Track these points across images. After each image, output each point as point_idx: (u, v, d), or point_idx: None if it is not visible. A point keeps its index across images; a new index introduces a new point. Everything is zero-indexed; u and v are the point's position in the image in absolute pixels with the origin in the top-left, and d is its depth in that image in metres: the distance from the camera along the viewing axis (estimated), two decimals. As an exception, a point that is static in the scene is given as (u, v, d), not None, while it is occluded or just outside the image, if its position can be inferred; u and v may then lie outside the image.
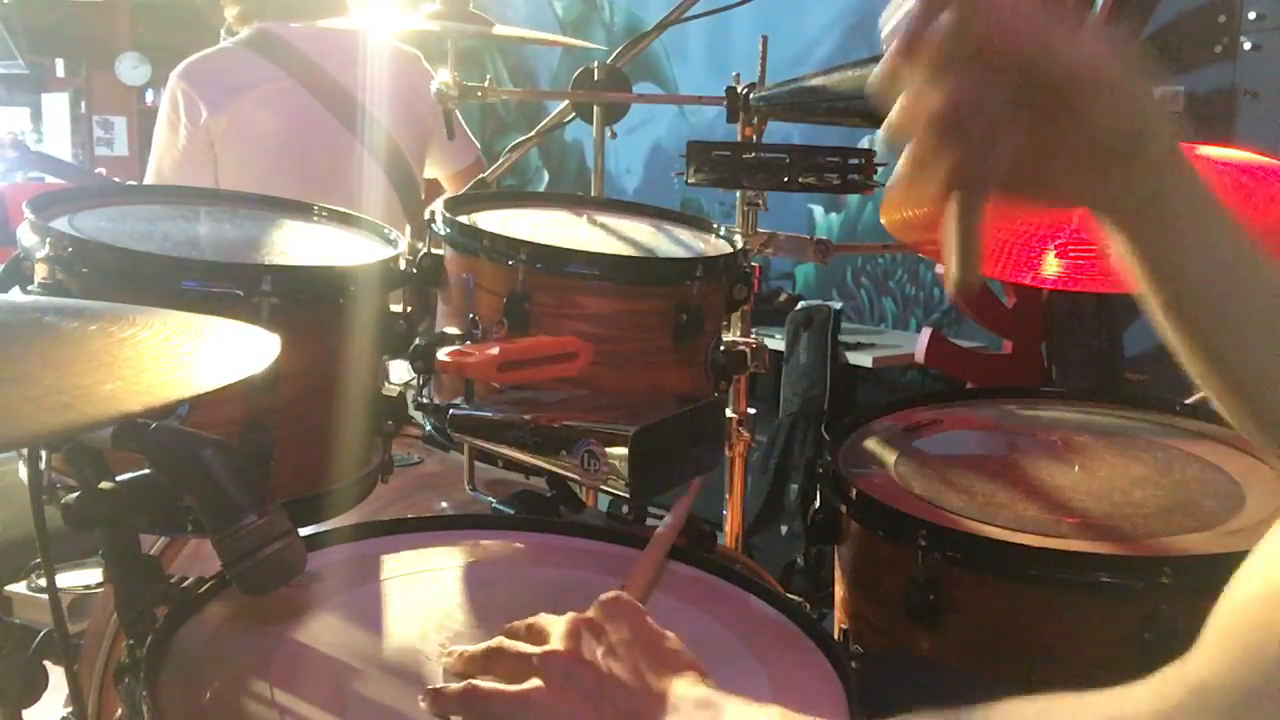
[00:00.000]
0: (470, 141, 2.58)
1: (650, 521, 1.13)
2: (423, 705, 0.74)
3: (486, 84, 1.73)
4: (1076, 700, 0.54)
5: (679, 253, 1.27)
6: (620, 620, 0.77)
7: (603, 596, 0.80)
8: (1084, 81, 0.65)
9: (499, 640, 0.78)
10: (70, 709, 1.16)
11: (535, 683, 0.72)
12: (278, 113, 2.28)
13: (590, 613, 0.78)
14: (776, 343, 3.13)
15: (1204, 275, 0.72)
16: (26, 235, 0.99)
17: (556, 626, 0.77)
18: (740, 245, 1.29)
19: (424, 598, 0.95)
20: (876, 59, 1.26)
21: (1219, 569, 1.05)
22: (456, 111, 2.44)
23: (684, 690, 0.72)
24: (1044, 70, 0.63)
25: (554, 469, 1.05)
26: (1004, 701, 0.56)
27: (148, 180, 2.37)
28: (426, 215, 1.22)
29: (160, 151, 2.32)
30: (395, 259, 1.13)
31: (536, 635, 0.78)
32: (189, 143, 2.27)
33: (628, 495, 0.98)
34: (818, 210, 4.03)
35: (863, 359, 3.17)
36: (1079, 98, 0.65)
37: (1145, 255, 0.73)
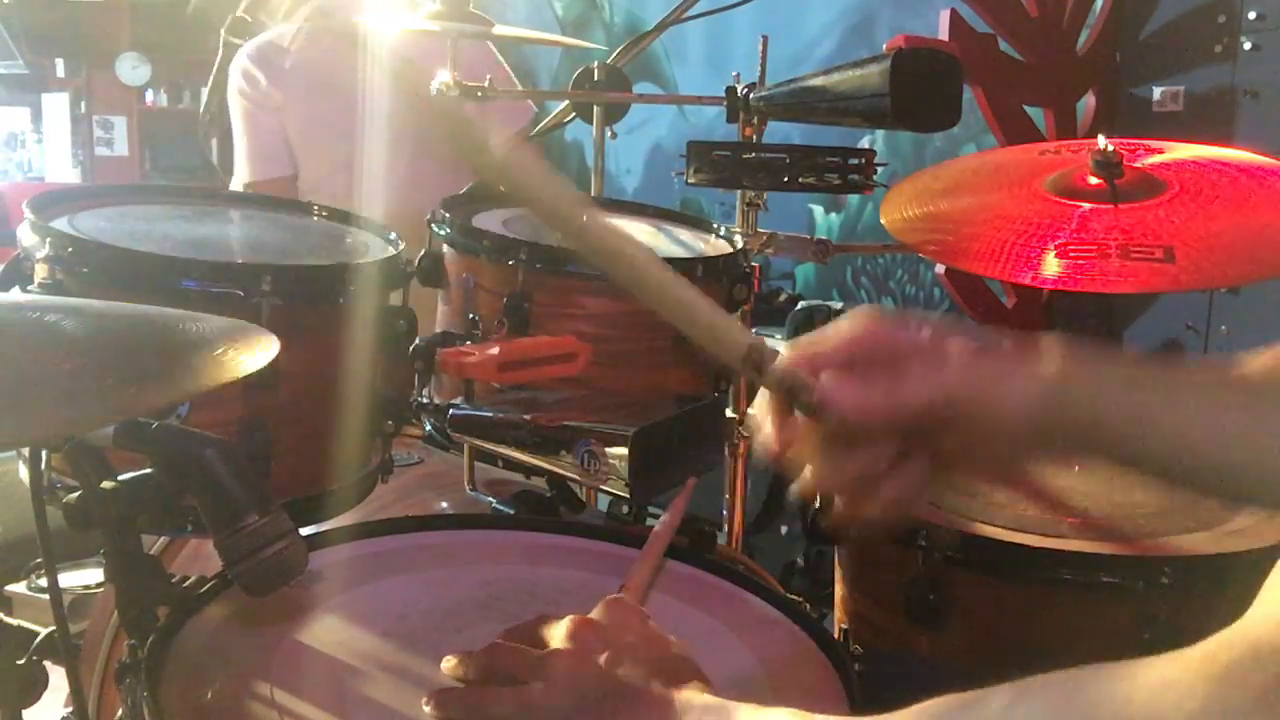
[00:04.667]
0: (526, 105, 2.61)
1: (650, 522, 1.13)
2: (426, 709, 0.73)
3: (487, 84, 1.73)
4: (1123, 667, 0.53)
5: (679, 253, 1.27)
6: (625, 624, 0.76)
7: (606, 599, 0.79)
8: (964, 412, 0.71)
9: (498, 642, 0.77)
10: (70, 709, 1.16)
11: (538, 684, 0.71)
12: (339, 79, 2.33)
13: (594, 615, 0.78)
14: (776, 343, 3.11)
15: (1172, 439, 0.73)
16: (26, 235, 0.99)
17: (558, 628, 0.76)
18: (740, 245, 1.29)
19: (424, 598, 0.95)
20: (877, 59, 1.28)
21: (1219, 569, 1.05)
22: (506, 66, 2.48)
23: (691, 697, 0.71)
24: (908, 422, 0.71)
25: (554, 469, 1.05)
26: (1031, 680, 0.55)
27: (236, 172, 2.43)
28: (427, 216, 1.22)
29: (237, 136, 2.40)
30: (395, 259, 1.13)
31: (537, 637, 0.78)
32: (259, 118, 2.34)
33: (628, 495, 0.98)
34: (818, 210, 4.03)
35: (863, 359, 3.16)
36: (960, 426, 0.72)
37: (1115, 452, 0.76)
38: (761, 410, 0.76)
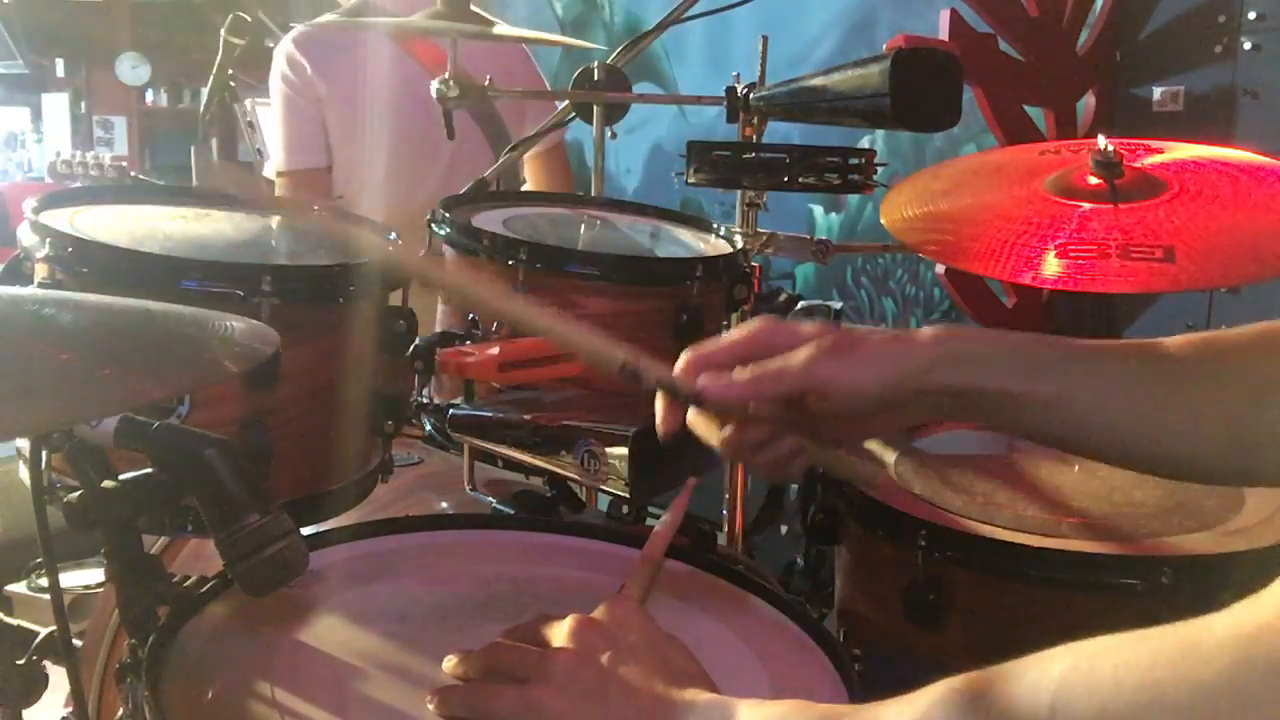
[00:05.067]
0: (552, 104, 2.61)
1: (650, 522, 1.13)
2: (430, 706, 0.73)
3: (486, 84, 1.73)
4: (1146, 632, 0.56)
5: (679, 253, 1.27)
6: (628, 624, 0.76)
7: (608, 599, 0.79)
8: (813, 394, 0.81)
9: (499, 641, 0.77)
10: (71, 709, 1.16)
11: (539, 684, 0.71)
12: (382, 73, 2.35)
13: (596, 615, 0.78)
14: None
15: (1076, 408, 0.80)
16: (26, 235, 0.99)
17: (560, 628, 0.76)
18: (740, 245, 1.29)
19: (424, 598, 0.95)
20: (877, 59, 1.28)
21: (1219, 569, 1.05)
22: (539, 71, 2.48)
23: (694, 697, 0.71)
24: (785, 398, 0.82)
25: (554, 469, 1.05)
26: (1056, 650, 0.59)
27: (273, 157, 2.43)
28: (427, 216, 1.22)
29: (276, 123, 2.40)
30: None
31: (538, 637, 0.77)
32: (300, 106, 2.34)
33: (628, 495, 0.98)
34: (818, 210, 4.03)
35: (863, 359, 3.16)
36: (819, 405, 0.82)
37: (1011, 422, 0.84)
38: (657, 403, 0.88)
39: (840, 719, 0.67)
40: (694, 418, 0.86)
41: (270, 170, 2.44)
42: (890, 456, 1.32)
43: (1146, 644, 0.53)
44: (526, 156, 2.61)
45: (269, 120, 2.45)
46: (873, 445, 1.35)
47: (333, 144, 2.37)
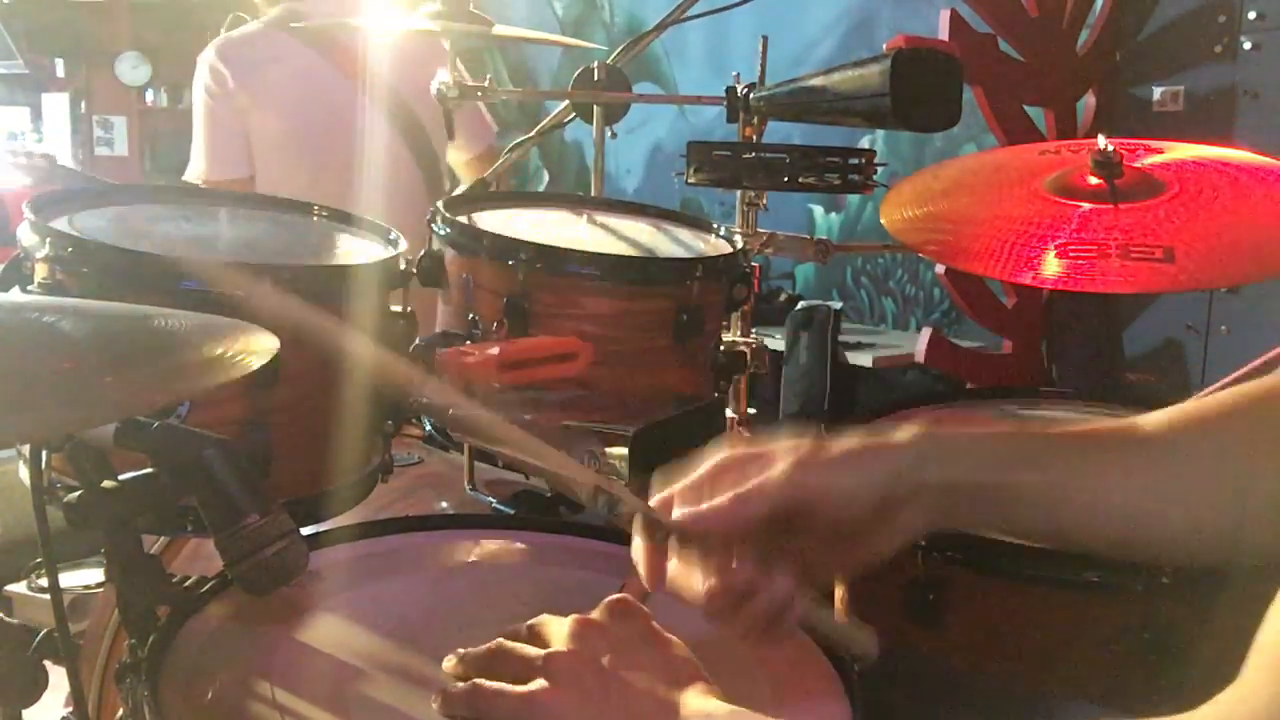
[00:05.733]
0: (487, 126, 2.61)
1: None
2: (434, 706, 0.73)
3: (486, 84, 1.73)
4: None
5: (679, 253, 1.27)
6: (627, 624, 0.76)
7: (608, 599, 0.79)
8: (798, 510, 0.76)
9: (498, 641, 0.77)
10: (71, 709, 1.16)
11: (540, 683, 0.71)
12: (306, 87, 2.34)
13: (595, 615, 0.77)
14: (776, 343, 3.12)
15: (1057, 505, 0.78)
16: (26, 235, 0.99)
17: (559, 627, 0.76)
18: (740, 245, 1.29)
19: (424, 598, 0.95)
20: (877, 59, 1.28)
21: (1219, 569, 1.05)
22: (479, 106, 2.49)
23: (694, 702, 0.71)
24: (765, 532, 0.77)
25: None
26: None
27: (191, 164, 2.43)
28: (427, 215, 1.22)
29: (197, 131, 2.39)
30: (395, 259, 1.13)
31: (538, 637, 0.77)
32: (225, 119, 2.34)
33: (628, 495, 0.97)
34: (818, 210, 4.03)
35: (863, 359, 3.17)
36: (805, 523, 0.77)
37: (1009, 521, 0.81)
38: (635, 550, 0.81)
39: None
40: (675, 572, 0.80)
41: (192, 177, 2.43)
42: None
43: None
44: (461, 161, 2.61)
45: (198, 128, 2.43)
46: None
47: (255, 155, 2.37)
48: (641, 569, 0.81)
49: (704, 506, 0.77)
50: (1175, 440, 0.79)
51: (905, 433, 0.78)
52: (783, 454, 0.78)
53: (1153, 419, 0.79)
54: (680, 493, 0.79)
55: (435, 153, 2.49)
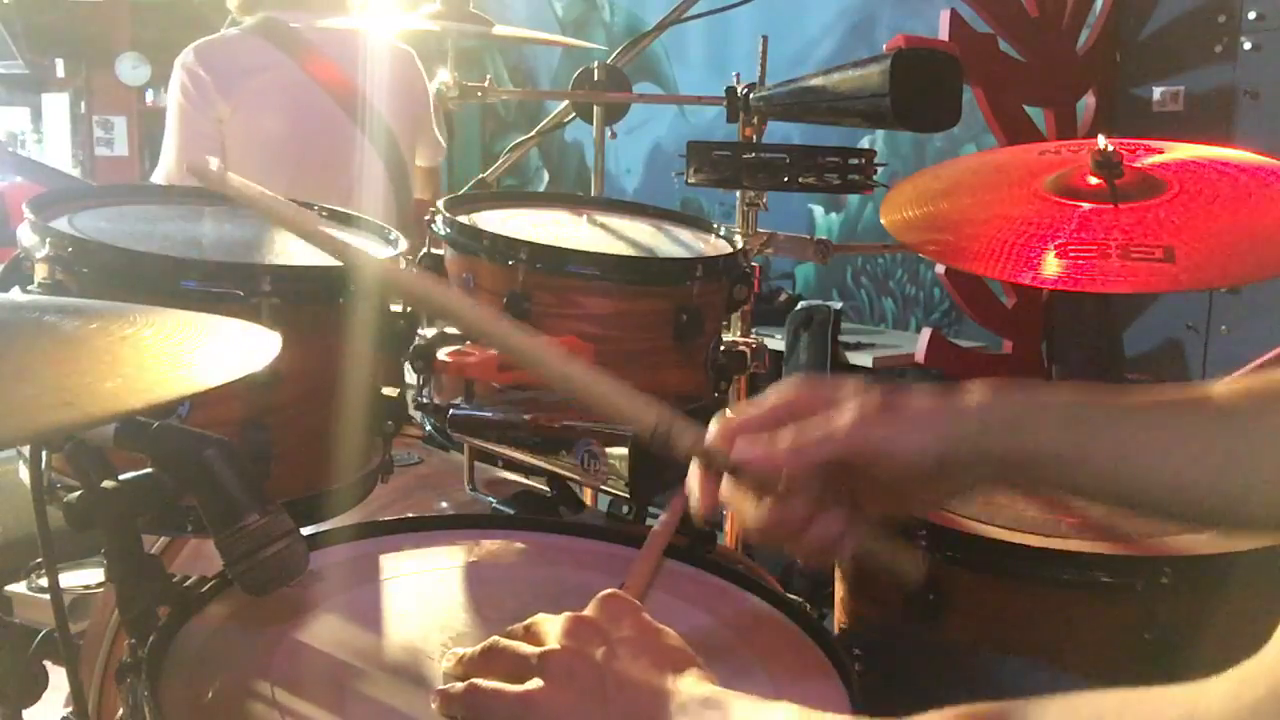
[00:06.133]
0: (439, 144, 2.63)
1: (650, 522, 1.13)
2: (434, 706, 0.74)
3: (486, 84, 1.73)
4: (1146, 696, 0.53)
5: (679, 253, 1.27)
6: (619, 618, 0.77)
7: (600, 594, 0.80)
8: (861, 460, 0.76)
9: (494, 640, 0.77)
10: (71, 709, 1.16)
11: (536, 682, 0.72)
12: (283, 96, 2.33)
13: (588, 611, 0.78)
14: (776, 343, 3.13)
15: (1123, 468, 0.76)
16: (26, 235, 0.99)
17: (554, 625, 0.76)
18: (740, 245, 1.29)
19: (424, 598, 0.95)
20: (877, 59, 1.28)
21: (1219, 569, 1.05)
22: (431, 116, 2.50)
23: (689, 688, 0.71)
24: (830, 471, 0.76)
25: (554, 469, 1.05)
26: (1060, 698, 0.54)
27: (160, 165, 2.41)
28: (427, 215, 1.22)
29: (170, 134, 2.36)
30: (395, 259, 1.12)
31: (534, 635, 0.78)
32: (198, 123, 2.31)
33: (628, 495, 0.98)
34: (818, 210, 4.03)
35: (863, 359, 3.17)
36: (866, 472, 0.76)
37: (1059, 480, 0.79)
38: (690, 475, 0.82)
39: None
40: (729, 493, 0.80)
41: (159, 179, 2.41)
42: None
43: (1146, 708, 0.52)
44: (417, 166, 2.62)
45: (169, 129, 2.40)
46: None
47: (229, 163, 2.33)
48: (695, 495, 0.81)
49: (765, 450, 0.77)
50: (1247, 409, 0.77)
51: (972, 397, 0.77)
52: (850, 404, 0.77)
53: (1222, 388, 0.78)
54: (742, 427, 0.79)
55: (405, 163, 2.49)
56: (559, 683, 0.71)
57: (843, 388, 0.79)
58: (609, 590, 0.80)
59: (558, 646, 0.74)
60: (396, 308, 1.14)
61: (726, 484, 0.80)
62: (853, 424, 0.76)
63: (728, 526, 1.62)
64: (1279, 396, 0.77)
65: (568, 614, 0.77)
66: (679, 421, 0.81)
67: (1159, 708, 0.52)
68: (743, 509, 0.79)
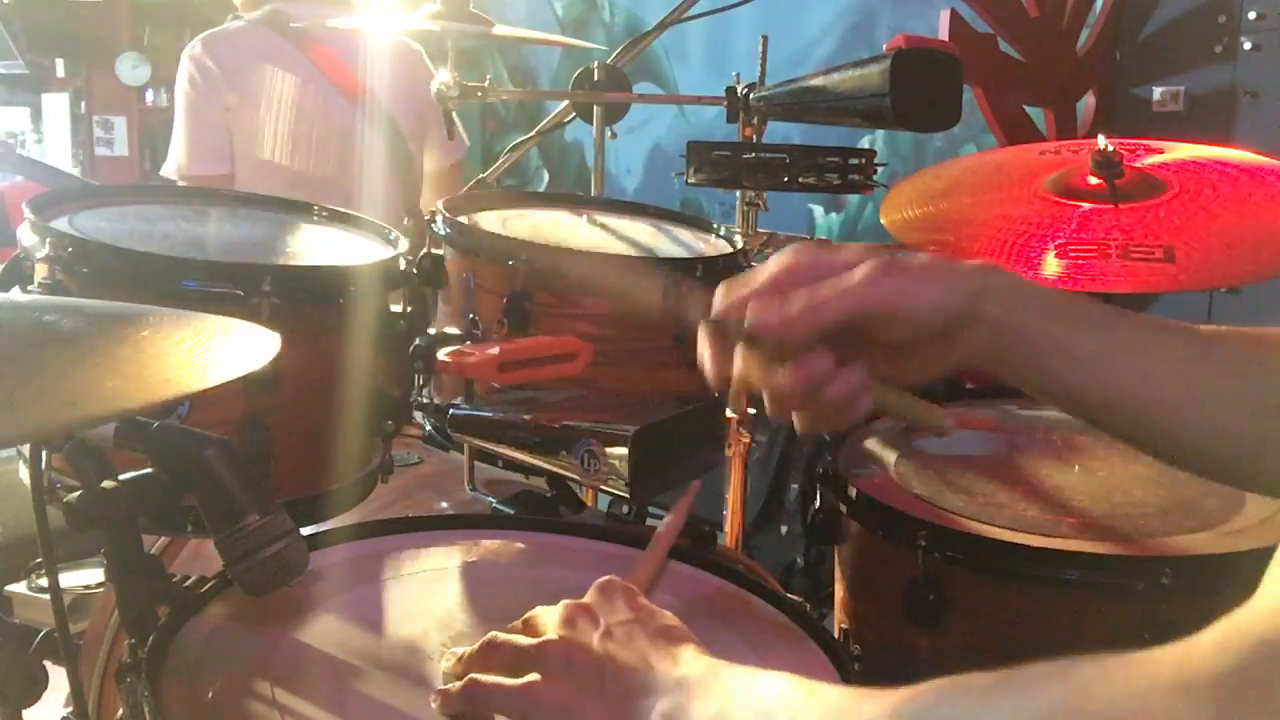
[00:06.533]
0: (460, 143, 2.61)
1: (650, 521, 1.13)
2: (434, 706, 0.74)
3: (486, 84, 1.73)
4: (1132, 660, 0.52)
5: (679, 253, 1.27)
6: (614, 601, 0.77)
7: (596, 582, 0.80)
8: (876, 317, 0.75)
9: (491, 635, 0.77)
10: (71, 709, 1.16)
11: (535, 675, 0.72)
12: (290, 87, 2.34)
13: (585, 599, 0.78)
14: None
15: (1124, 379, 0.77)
16: (26, 235, 0.99)
17: (550, 616, 0.77)
18: (740, 245, 1.29)
19: (424, 597, 0.95)
20: (877, 59, 1.28)
21: (1219, 569, 1.05)
22: (440, 114, 2.49)
23: (687, 664, 0.71)
24: (842, 326, 0.75)
25: (554, 469, 1.05)
26: (1052, 664, 0.53)
27: (170, 156, 2.41)
28: (427, 215, 1.22)
29: (179, 124, 2.37)
30: (395, 259, 1.13)
31: (532, 628, 0.78)
32: (206, 113, 2.33)
33: (628, 495, 0.98)
34: (818, 210, 4.03)
35: (863, 359, 3.16)
36: (879, 330, 0.76)
37: (1049, 382, 0.79)
38: (701, 346, 0.80)
39: (828, 702, 0.65)
40: (743, 367, 0.78)
41: (169, 171, 2.42)
42: (891, 456, 1.32)
43: (1139, 671, 0.52)
44: (430, 170, 2.62)
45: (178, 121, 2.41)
46: (871, 444, 1.35)
47: (236, 153, 2.36)
48: (708, 370, 0.80)
49: (780, 314, 0.75)
50: (1230, 341, 0.79)
51: (972, 268, 0.77)
52: (859, 261, 0.76)
53: (1207, 326, 0.79)
54: (750, 296, 0.77)
55: (411, 157, 2.49)
56: (557, 672, 0.71)
57: (844, 250, 0.78)
58: (605, 577, 0.80)
59: (554, 637, 0.74)
60: (396, 307, 1.14)
61: (739, 352, 0.78)
62: (865, 280, 0.75)
63: (727, 527, 1.62)
64: (1242, 338, 0.79)
65: (565, 602, 0.77)
66: (687, 290, 0.80)
67: (1152, 670, 0.51)
68: (757, 376, 0.78)
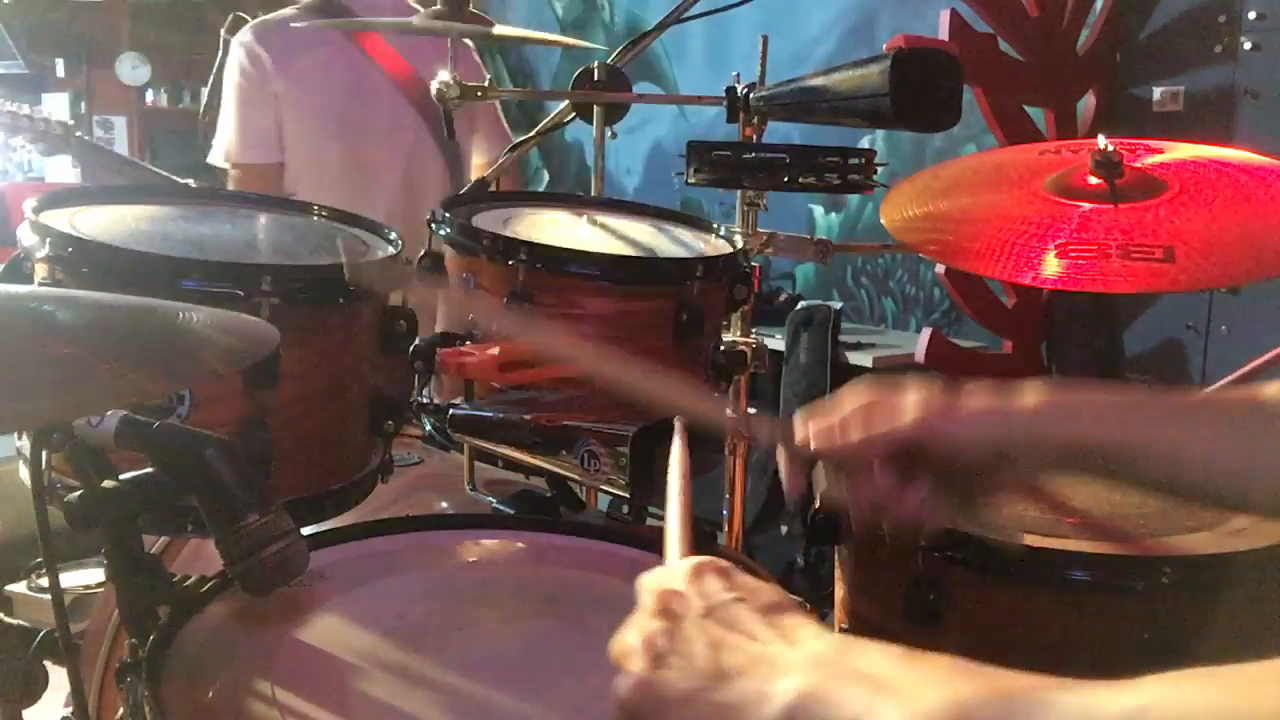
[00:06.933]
0: (505, 134, 2.61)
1: (650, 522, 1.13)
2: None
3: (486, 84, 1.73)
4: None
5: (679, 253, 1.27)
6: (708, 584, 0.67)
7: (690, 562, 0.70)
8: (926, 445, 0.83)
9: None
10: (71, 709, 1.16)
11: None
12: (340, 73, 2.34)
13: (676, 585, 0.68)
14: (776, 343, 3.12)
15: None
16: (26, 235, 0.99)
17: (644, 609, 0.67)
18: (740, 245, 1.29)
19: (424, 598, 0.95)
20: (877, 59, 1.28)
21: (1219, 569, 1.05)
22: (498, 104, 2.49)
23: (812, 643, 0.63)
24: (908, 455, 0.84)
25: (554, 469, 1.05)
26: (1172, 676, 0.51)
27: (218, 143, 2.40)
28: (426, 215, 1.22)
29: (228, 112, 2.35)
30: (395, 259, 1.12)
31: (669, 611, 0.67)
32: (256, 100, 2.31)
33: (628, 495, 0.98)
34: (818, 210, 4.03)
35: (863, 359, 3.17)
36: (931, 455, 0.83)
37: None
38: (780, 464, 0.91)
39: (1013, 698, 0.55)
40: (823, 472, 0.90)
41: (216, 158, 2.41)
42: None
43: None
44: (476, 165, 2.61)
45: (226, 110, 2.40)
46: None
47: (287, 142, 2.35)
48: (785, 477, 0.90)
49: (838, 443, 0.85)
50: (1209, 406, 0.86)
51: (1030, 397, 0.83)
52: (912, 404, 0.84)
53: (1274, 388, 0.84)
54: (815, 434, 0.87)
55: (464, 156, 2.49)
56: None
57: (905, 389, 0.86)
58: (693, 559, 0.71)
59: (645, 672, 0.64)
60: (396, 305, 1.14)
61: (825, 471, 0.89)
62: (914, 423, 0.83)
63: (727, 527, 1.62)
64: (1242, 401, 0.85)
65: (652, 588, 0.68)
66: (758, 427, 0.92)
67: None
68: (838, 489, 0.87)
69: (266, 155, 2.35)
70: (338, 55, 2.33)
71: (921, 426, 0.83)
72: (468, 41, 2.48)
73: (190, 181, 2.42)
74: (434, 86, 1.72)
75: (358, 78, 2.34)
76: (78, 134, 2.96)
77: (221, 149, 2.38)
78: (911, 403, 0.84)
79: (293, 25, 2.34)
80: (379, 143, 2.36)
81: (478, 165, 2.61)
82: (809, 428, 0.87)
